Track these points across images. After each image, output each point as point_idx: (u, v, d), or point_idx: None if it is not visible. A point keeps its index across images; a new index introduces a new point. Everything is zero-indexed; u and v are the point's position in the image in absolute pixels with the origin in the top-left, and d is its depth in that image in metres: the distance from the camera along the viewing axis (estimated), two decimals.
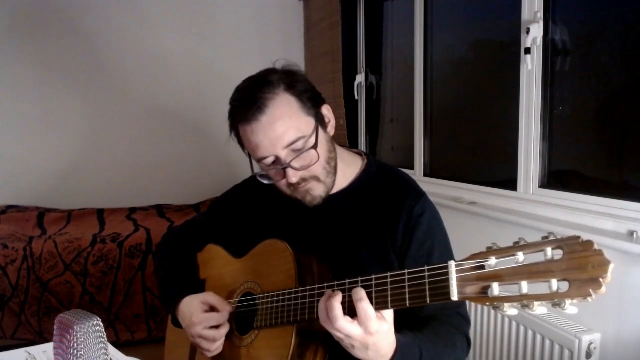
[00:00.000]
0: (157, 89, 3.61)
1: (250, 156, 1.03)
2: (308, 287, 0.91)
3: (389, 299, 0.77)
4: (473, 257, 0.69)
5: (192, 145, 3.72)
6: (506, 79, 2.04)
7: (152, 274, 2.24)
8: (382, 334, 0.80)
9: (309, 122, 0.98)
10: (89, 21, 3.47)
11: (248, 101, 0.96)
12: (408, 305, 0.75)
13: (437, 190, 2.36)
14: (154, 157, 3.66)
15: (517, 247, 0.65)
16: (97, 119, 3.56)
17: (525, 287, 0.63)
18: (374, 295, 0.79)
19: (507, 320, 1.76)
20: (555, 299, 0.60)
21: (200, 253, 1.26)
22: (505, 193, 1.99)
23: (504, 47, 2.16)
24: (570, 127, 1.87)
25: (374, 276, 0.80)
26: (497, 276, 0.66)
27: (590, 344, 1.49)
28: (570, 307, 0.60)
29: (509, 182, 1.97)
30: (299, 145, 0.96)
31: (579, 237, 0.61)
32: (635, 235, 1.45)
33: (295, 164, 0.96)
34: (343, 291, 0.82)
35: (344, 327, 0.78)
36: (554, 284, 0.61)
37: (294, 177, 0.97)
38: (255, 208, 1.18)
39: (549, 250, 0.62)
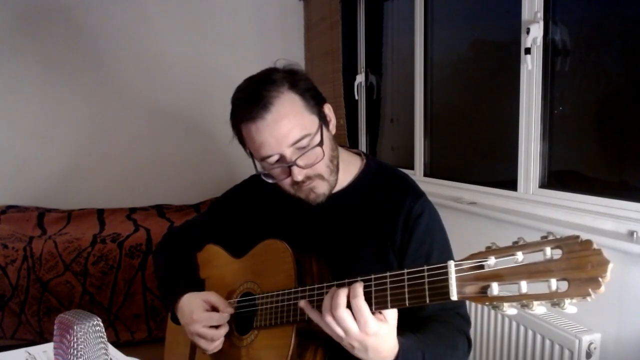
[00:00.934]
0: (157, 89, 3.61)
1: (251, 154, 1.02)
2: (307, 287, 0.91)
3: (388, 298, 0.77)
4: (472, 256, 0.69)
5: (192, 145, 3.72)
6: (506, 79, 2.04)
7: (152, 274, 2.24)
8: (381, 336, 0.79)
9: (313, 120, 0.98)
10: (89, 21, 3.48)
11: (252, 99, 0.96)
12: (407, 304, 0.75)
13: (437, 190, 2.36)
14: (154, 157, 3.66)
15: (516, 246, 0.65)
16: (97, 119, 3.56)
17: (524, 286, 0.63)
18: (373, 294, 0.78)
19: (507, 320, 1.76)
20: (554, 299, 0.61)
21: (200, 253, 1.26)
22: (505, 193, 1.99)
23: (504, 47, 2.16)
24: (570, 127, 1.87)
25: (373, 276, 0.80)
26: (497, 276, 0.66)
27: (590, 344, 1.49)
28: (570, 306, 0.60)
29: (509, 182, 1.97)
30: (303, 143, 0.96)
31: (578, 237, 0.61)
32: (635, 235, 1.45)
33: (300, 162, 0.96)
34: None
35: (343, 317, 0.78)
36: (553, 283, 0.61)
37: (299, 175, 0.97)
38: (255, 208, 1.18)
39: (548, 250, 0.62)
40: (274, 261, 1.02)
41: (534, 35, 1.77)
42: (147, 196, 3.62)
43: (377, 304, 0.78)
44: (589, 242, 0.60)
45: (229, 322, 1.06)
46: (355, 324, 0.78)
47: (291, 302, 0.93)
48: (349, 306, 0.79)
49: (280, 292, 0.96)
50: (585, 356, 1.50)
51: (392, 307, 0.77)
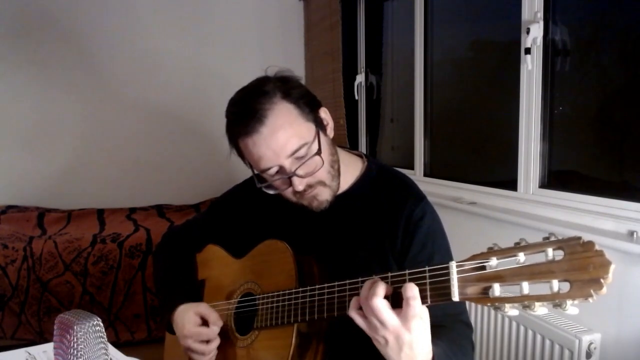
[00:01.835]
0: (156, 89, 3.61)
1: (252, 167, 1.02)
2: (308, 288, 0.91)
3: (390, 299, 0.77)
4: (474, 257, 0.69)
5: (192, 145, 3.72)
6: (506, 79, 2.04)
7: (152, 275, 2.24)
8: (421, 336, 0.75)
9: (309, 128, 0.98)
10: (87, 22, 3.47)
11: (245, 113, 0.95)
12: None
13: (437, 190, 2.36)
14: (154, 157, 3.66)
15: (518, 247, 0.65)
16: (97, 120, 3.56)
17: (526, 287, 0.63)
18: None
19: (507, 320, 1.76)
20: (556, 300, 0.60)
21: (200, 253, 1.26)
22: (505, 193, 1.99)
23: (504, 47, 2.16)
24: (570, 127, 1.87)
25: (375, 277, 0.79)
26: (498, 277, 0.66)
27: (590, 344, 1.49)
28: (571, 307, 0.60)
29: (509, 182, 1.97)
30: (302, 152, 0.95)
31: (579, 238, 0.61)
32: (635, 235, 1.45)
33: (300, 171, 0.96)
34: (343, 291, 0.82)
35: (379, 307, 0.72)
36: (555, 284, 0.61)
37: (300, 185, 0.97)
38: (255, 208, 1.18)
39: (549, 251, 0.62)
40: (275, 261, 1.02)
41: (534, 35, 1.77)
42: (147, 196, 3.62)
43: None
44: (591, 244, 0.60)
45: (228, 322, 1.06)
46: (394, 317, 0.73)
47: (292, 302, 0.93)
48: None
49: (281, 293, 0.96)
50: (585, 356, 1.50)
51: (394, 307, 0.77)
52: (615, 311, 1.48)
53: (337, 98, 3.16)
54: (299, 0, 3.74)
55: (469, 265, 0.69)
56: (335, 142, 1.07)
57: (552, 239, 0.63)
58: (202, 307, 1.08)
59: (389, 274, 0.78)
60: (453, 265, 0.70)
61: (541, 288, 0.62)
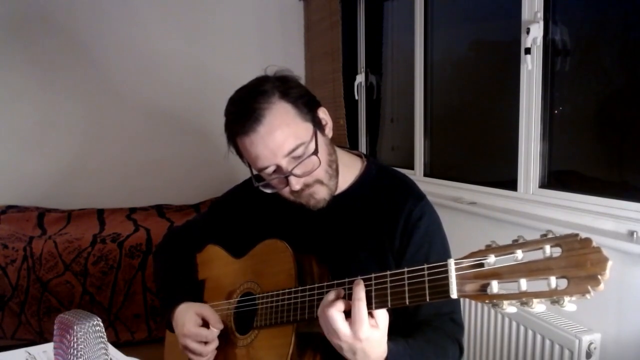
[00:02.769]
0: (156, 89, 3.61)
1: (250, 166, 1.03)
2: (308, 287, 0.91)
3: (389, 297, 0.77)
4: (472, 255, 0.69)
5: (192, 145, 3.72)
6: (506, 79, 2.04)
7: (152, 275, 2.24)
8: (372, 341, 0.79)
9: (306, 128, 0.98)
10: (87, 23, 3.47)
11: (243, 113, 0.96)
12: (407, 303, 0.75)
13: (437, 190, 2.36)
14: (154, 157, 3.66)
15: (515, 244, 0.65)
16: (97, 119, 3.56)
17: (524, 284, 0.63)
18: (373, 293, 0.78)
19: (507, 319, 1.76)
20: (554, 296, 0.61)
21: (200, 253, 1.26)
22: (505, 193, 1.99)
23: (504, 47, 2.16)
24: (570, 127, 1.87)
25: (373, 275, 0.80)
26: (496, 274, 0.66)
27: (590, 344, 1.49)
28: (569, 304, 0.60)
29: (509, 182, 1.97)
30: (299, 152, 0.95)
31: (577, 235, 0.61)
32: (635, 235, 1.45)
33: (297, 171, 0.96)
34: (344, 290, 0.82)
35: (334, 317, 0.78)
36: (553, 281, 0.61)
37: (297, 184, 0.97)
38: (255, 208, 1.18)
39: (547, 248, 0.62)
40: (274, 261, 1.02)
41: (534, 35, 1.77)
42: (147, 196, 3.62)
43: (377, 302, 0.78)
44: (588, 240, 0.60)
45: (228, 322, 1.07)
46: (346, 327, 0.78)
47: (291, 301, 0.93)
48: (347, 308, 0.79)
49: (281, 292, 0.96)
50: (585, 356, 1.50)
51: (392, 305, 0.77)
52: (615, 311, 1.48)
53: (337, 98, 3.16)
54: (299, 0, 3.74)
55: (467, 262, 0.69)
56: (335, 142, 1.07)
57: (550, 236, 0.63)
58: (204, 309, 1.09)
59: (388, 273, 0.78)
60: (451, 262, 0.70)
61: (539, 285, 0.62)
